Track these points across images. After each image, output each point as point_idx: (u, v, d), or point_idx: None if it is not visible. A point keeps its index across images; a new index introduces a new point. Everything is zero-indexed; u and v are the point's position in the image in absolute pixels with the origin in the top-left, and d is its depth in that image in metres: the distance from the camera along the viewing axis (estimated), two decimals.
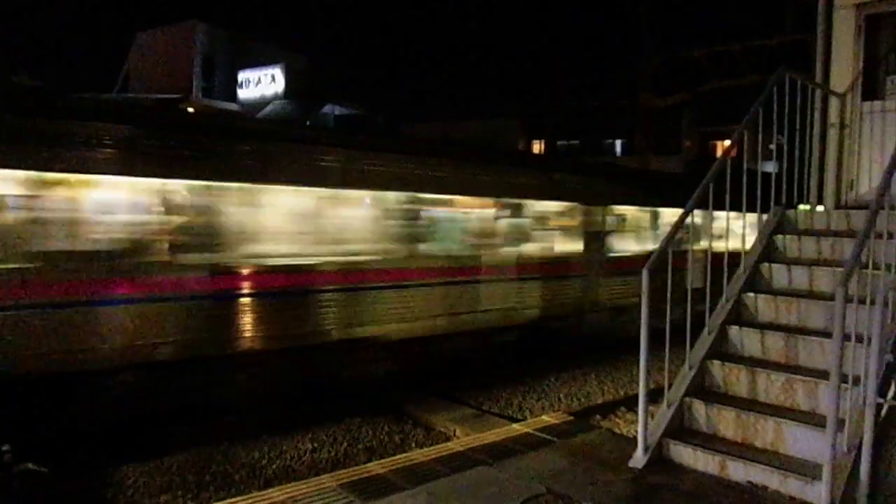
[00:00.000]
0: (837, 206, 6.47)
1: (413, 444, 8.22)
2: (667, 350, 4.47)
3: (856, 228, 5.37)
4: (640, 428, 4.30)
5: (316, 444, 7.91)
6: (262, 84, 19.36)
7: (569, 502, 3.69)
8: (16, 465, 5.00)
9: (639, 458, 4.24)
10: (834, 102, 6.55)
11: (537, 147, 31.82)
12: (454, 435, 8.54)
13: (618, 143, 31.88)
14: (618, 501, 3.72)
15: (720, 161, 4.87)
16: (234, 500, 3.65)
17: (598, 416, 9.52)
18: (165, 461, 7.11)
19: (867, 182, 6.40)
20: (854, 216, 5.43)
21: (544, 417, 5.29)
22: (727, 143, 32.83)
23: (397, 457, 4.42)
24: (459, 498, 3.74)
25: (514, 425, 5.13)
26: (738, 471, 4.01)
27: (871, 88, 6.50)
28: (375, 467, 4.19)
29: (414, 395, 9.61)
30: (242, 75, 21.34)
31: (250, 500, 3.67)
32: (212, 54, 21.39)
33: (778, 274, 5.16)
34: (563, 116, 28.02)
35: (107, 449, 7.05)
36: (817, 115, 6.52)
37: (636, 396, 10.19)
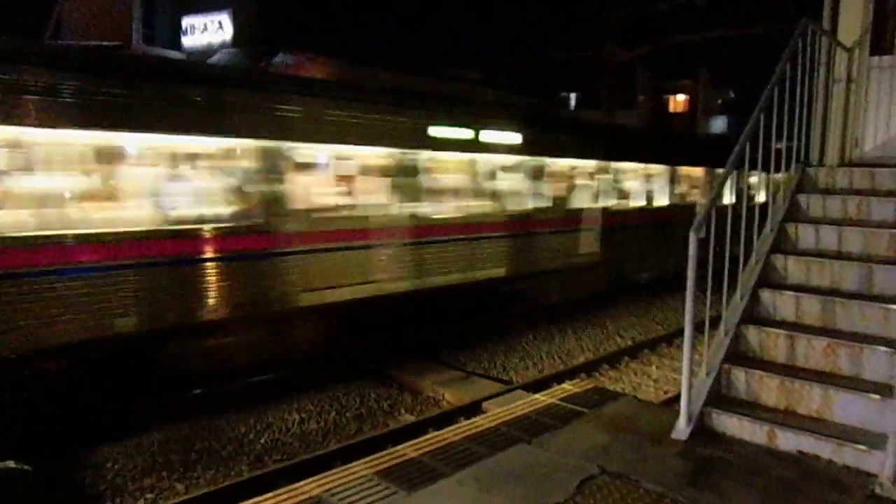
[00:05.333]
0: (841, 164, 6.36)
1: (402, 410, 7.97)
2: (706, 318, 4.27)
3: (880, 187, 5.28)
4: (682, 398, 4.10)
5: (303, 415, 7.55)
6: (208, 31, 18.02)
7: (627, 482, 3.48)
8: None
9: (682, 429, 4.06)
10: (842, 56, 6.38)
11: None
12: (443, 399, 8.33)
13: (572, 96, 31.75)
14: (677, 478, 3.53)
15: (755, 120, 4.62)
16: (266, 496, 3.28)
17: (582, 374, 9.49)
18: (145, 440, 6.63)
19: (873, 139, 6.30)
20: (878, 174, 5.31)
21: (566, 386, 5.07)
22: (679, 97, 32.92)
23: (428, 436, 4.11)
24: (510, 482, 3.48)
25: (537, 395, 4.89)
26: (789, 440, 3.86)
27: (879, 43, 6.34)
28: (408, 450, 3.89)
29: (397, 356, 9.34)
30: (186, 21, 19.82)
31: (285, 494, 3.32)
32: None
33: (804, 234, 5.01)
34: (519, 70, 27.45)
35: (77, 431, 6.54)
36: (822, 69, 6.34)
37: (617, 354, 10.42)
